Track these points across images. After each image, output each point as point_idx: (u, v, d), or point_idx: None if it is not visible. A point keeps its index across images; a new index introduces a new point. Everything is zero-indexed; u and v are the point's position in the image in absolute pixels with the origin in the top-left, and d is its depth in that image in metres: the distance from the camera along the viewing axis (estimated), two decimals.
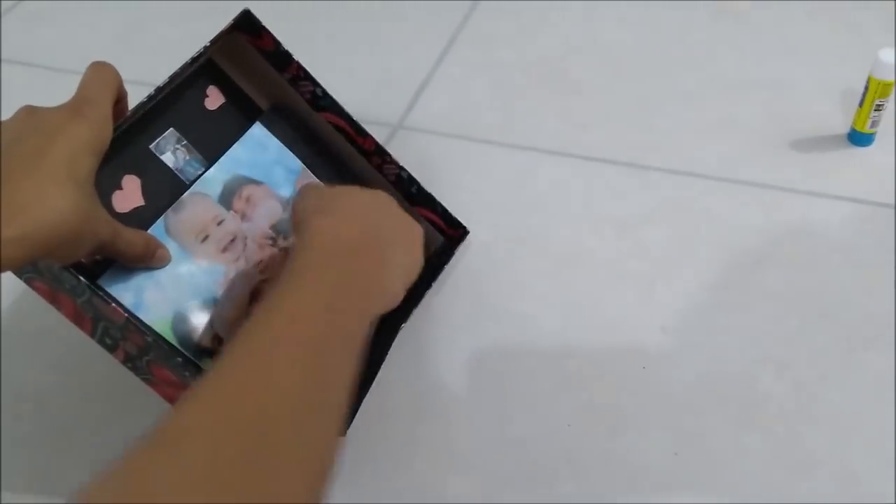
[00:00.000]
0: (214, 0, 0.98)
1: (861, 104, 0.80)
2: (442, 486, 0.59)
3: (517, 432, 0.62)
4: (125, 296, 0.56)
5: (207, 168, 0.62)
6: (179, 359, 0.55)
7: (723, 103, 0.87)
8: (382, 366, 0.62)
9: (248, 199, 0.63)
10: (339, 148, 0.68)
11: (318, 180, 0.66)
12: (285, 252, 0.63)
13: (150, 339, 0.54)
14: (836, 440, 0.60)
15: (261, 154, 0.65)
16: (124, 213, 0.58)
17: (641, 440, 0.61)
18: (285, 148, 0.66)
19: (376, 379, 0.65)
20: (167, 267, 0.58)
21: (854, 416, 0.62)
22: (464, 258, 0.72)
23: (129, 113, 0.57)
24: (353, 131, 0.67)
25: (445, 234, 0.70)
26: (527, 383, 0.65)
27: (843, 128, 0.83)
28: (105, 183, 0.57)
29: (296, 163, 0.66)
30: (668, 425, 0.62)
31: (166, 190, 0.60)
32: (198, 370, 0.57)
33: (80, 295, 0.54)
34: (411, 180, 0.68)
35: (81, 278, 0.52)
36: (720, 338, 0.67)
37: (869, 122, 0.80)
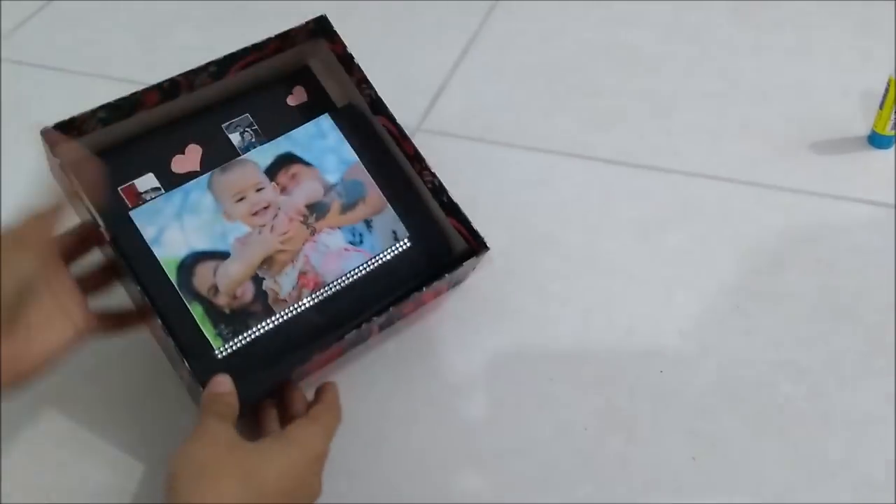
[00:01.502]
0: (239, 1, 0.99)
1: (881, 106, 0.79)
2: (459, 488, 0.60)
3: (534, 435, 0.62)
4: (147, 229, 0.62)
5: None
6: None
7: (743, 105, 0.87)
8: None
9: (293, 176, 0.66)
10: (392, 152, 0.70)
11: (368, 176, 0.68)
12: (312, 231, 0.65)
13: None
14: (854, 445, 0.60)
15: (319, 141, 0.68)
16: (178, 174, 0.64)
17: (658, 444, 0.61)
18: (345, 141, 0.68)
19: (393, 382, 0.65)
20: (195, 213, 0.63)
21: (873, 421, 0.61)
22: (482, 260, 0.72)
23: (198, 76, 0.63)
24: (399, 134, 0.69)
25: (469, 243, 0.69)
26: (544, 386, 0.65)
27: (864, 130, 0.83)
28: (170, 145, 0.65)
29: (351, 156, 0.68)
30: (685, 429, 0.62)
31: (223, 163, 0.65)
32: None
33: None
34: (442, 189, 0.68)
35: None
36: (738, 341, 0.67)
37: (890, 125, 0.80)
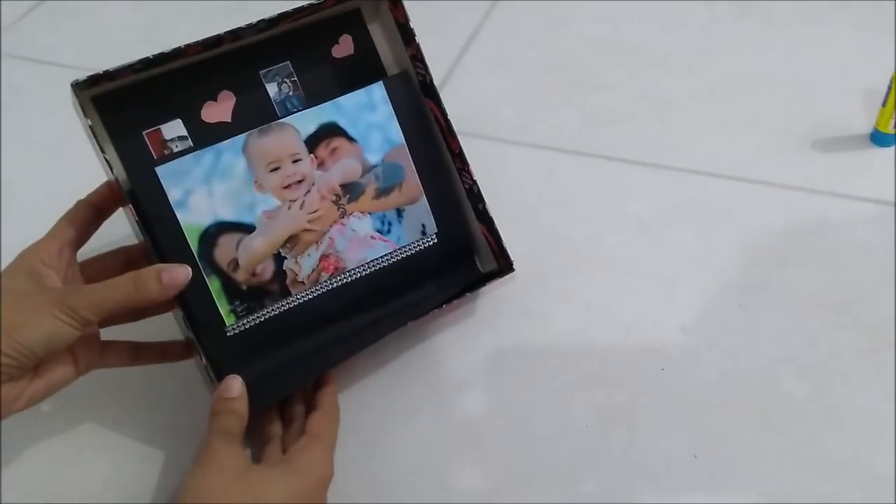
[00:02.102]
0: (236, 1, 0.99)
1: (884, 104, 0.79)
2: (460, 485, 0.59)
3: (536, 431, 0.62)
4: (173, 190, 0.58)
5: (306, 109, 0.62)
6: None
7: (745, 102, 0.87)
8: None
9: (333, 150, 0.62)
10: (438, 141, 0.67)
11: (409, 161, 0.65)
12: (342, 213, 0.63)
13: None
14: (857, 442, 0.60)
15: (367, 114, 0.63)
16: (208, 124, 0.60)
17: (660, 441, 0.61)
18: (395, 118, 0.64)
19: (394, 378, 0.65)
20: (226, 179, 0.59)
21: (876, 418, 0.61)
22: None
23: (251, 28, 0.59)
24: (446, 128, 0.66)
25: (497, 260, 0.68)
26: (545, 383, 0.65)
27: (866, 128, 0.82)
28: (202, 91, 0.60)
29: (398, 136, 0.64)
30: (687, 426, 0.61)
31: (256, 117, 0.61)
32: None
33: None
34: (479, 196, 0.66)
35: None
36: (741, 338, 0.66)
37: (892, 123, 0.79)
